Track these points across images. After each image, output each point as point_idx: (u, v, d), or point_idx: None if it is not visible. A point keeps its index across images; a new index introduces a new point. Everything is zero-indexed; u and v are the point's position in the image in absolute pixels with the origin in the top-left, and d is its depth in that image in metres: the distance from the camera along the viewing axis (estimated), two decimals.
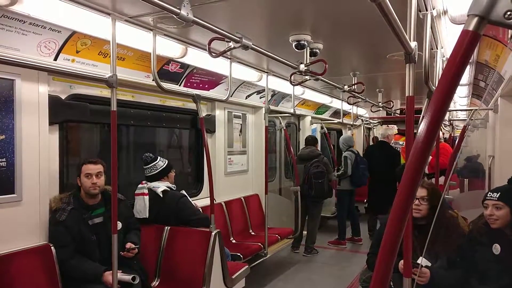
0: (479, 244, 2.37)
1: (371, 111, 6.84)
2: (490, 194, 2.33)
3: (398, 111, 7.59)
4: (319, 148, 5.93)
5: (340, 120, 6.95)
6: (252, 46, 2.40)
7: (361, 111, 8.49)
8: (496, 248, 2.27)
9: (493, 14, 0.64)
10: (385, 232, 0.72)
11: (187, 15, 1.80)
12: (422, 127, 0.68)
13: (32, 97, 2.54)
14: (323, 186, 5.36)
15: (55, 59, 2.56)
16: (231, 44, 2.30)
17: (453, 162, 5.26)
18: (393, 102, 6.66)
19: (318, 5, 2.42)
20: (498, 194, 2.29)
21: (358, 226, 6.26)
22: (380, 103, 6.14)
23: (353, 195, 6.28)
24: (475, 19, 0.65)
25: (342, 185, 6.10)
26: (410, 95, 1.58)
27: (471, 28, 0.65)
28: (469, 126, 5.64)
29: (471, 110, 5.22)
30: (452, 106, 4.70)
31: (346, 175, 5.95)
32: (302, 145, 6.31)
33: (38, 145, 2.57)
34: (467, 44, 0.66)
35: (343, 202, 6.10)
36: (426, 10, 2.12)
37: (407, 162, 0.71)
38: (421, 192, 2.45)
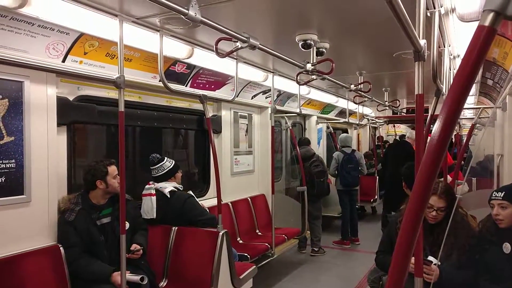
0: (489, 243, 2.35)
1: (377, 110, 6.81)
2: (495, 194, 2.30)
3: (405, 110, 7.56)
4: (312, 147, 5.95)
5: (346, 120, 6.93)
6: (260, 46, 2.40)
7: (367, 111, 8.46)
8: (506, 247, 2.24)
9: (509, 9, 0.63)
10: (399, 233, 0.71)
11: (195, 15, 1.80)
12: (436, 126, 0.67)
13: (41, 99, 2.55)
14: (324, 184, 5.48)
15: (63, 60, 2.58)
16: (238, 44, 2.30)
17: (460, 161, 5.22)
18: (399, 101, 6.63)
19: (324, 4, 2.41)
20: (503, 194, 2.26)
21: (356, 227, 6.26)
22: (386, 102, 6.11)
23: (351, 194, 6.25)
24: (491, 14, 0.64)
25: (336, 185, 6.23)
26: (420, 93, 1.56)
27: (487, 23, 0.64)
28: (477, 125, 5.59)
29: (479, 108, 5.17)
30: None
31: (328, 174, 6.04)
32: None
33: (46, 146, 2.59)
34: (483, 40, 0.65)
35: (341, 201, 6.15)
36: (434, 8, 2.11)
37: (421, 162, 0.70)
38: (439, 202, 2.41)
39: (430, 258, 2.34)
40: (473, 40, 0.66)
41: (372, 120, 8.70)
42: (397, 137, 9.50)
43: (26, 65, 2.20)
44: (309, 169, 5.36)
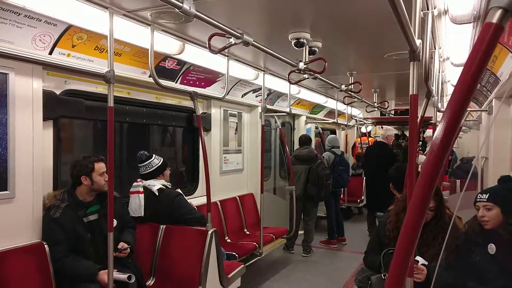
0: (475, 244, 2.38)
1: (366, 111, 6.87)
2: (480, 196, 2.34)
3: (393, 112, 7.63)
4: (313, 147, 5.94)
5: (335, 120, 6.96)
6: (253, 42, 2.38)
7: (355, 112, 8.52)
8: (492, 248, 2.28)
9: None
10: (399, 236, 0.70)
11: (190, 9, 1.77)
12: (439, 128, 0.66)
13: (26, 92, 2.48)
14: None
15: (50, 53, 2.50)
16: (232, 40, 2.27)
17: (445, 163, 5.29)
18: (388, 103, 6.69)
19: (318, 3, 2.40)
20: (487, 195, 2.30)
21: (342, 226, 6.29)
22: (375, 103, 6.16)
23: (336, 195, 6.25)
24: (499, 11, 0.63)
25: None
26: (414, 93, 1.57)
27: (494, 20, 0.63)
28: (463, 128, 5.68)
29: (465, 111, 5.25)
30: (443, 107, 4.74)
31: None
32: (296, 144, 6.31)
33: (31, 141, 2.51)
34: (490, 37, 0.64)
35: (327, 202, 6.13)
36: (428, 9, 2.12)
37: (423, 166, 0.69)
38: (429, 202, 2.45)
39: (418, 258, 2.37)
40: (479, 37, 0.65)
41: (360, 121, 8.76)
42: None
43: (11, 56, 2.13)
44: (317, 171, 5.30)
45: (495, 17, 0.63)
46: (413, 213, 0.69)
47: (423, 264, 2.34)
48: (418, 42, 1.51)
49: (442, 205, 2.55)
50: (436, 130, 0.67)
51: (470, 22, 2.22)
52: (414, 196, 0.69)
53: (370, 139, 8.66)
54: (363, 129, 9.04)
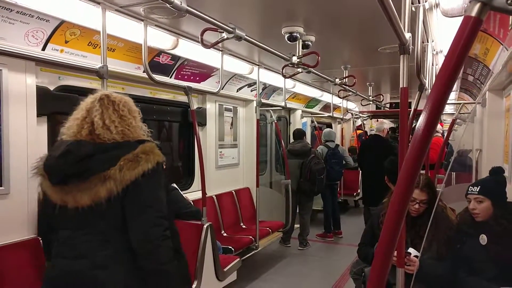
0: (466, 235, 2.41)
1: (361, 104, 6.89)
2: (470, 189, 2.35)
3: (388, 105, 7.66)
4: (307, 141, 5.95)
5: (330, 114, 6.98)
6: (245, 37, 2.38)
7: (351, 105, 8.54)
8: (483, 239, 2.31)
9: (496, 0, 0.64)
10: (383, 226, 0.71)
11: (181, 4, 1.77)
12: (421, 119, 0.67)
13: (19, 88, 2.47)
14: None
15: (43, 49, 2.50)
16: (224, 35, 2.28)
17: (441, 155, 5.33)
18: (383, 96, 6.71)
19: None
20: (478, 188, 2.32)
21: (339, 220, 6.32)
22: (370, 97, 6.17)
23: (333, 189, 6.27)
24: (478, 5, 0.64)
25: None
26: (404, 86, 1.58)
27: (473, 14, 0.65)
28: (457, 120, 5.72)
29: (459, 104, 5.29)
30: None
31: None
32: (292, 138, 6.33)
33: (26, 137, 2.51)
34: (469, 30, 0.66)
35: (323, 195, 6.16)
36: (419, 3, 2.13)
37: (405, 155, 0.70)
38: (421, 195, 2.47)
39: (410, 250, 2.39)
40: (459, 30, 0.67)
41: (356, 114, 8.78)
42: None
43: (4, 52, 2.12)
44: (309, 166, 5.31)
45: (473, 11, 0.65)
46: (396, 203, 0.71)
47: (415, 256, 2.36)
48: (407, 35, 1.52)
49: (435, 197, 2.57)
50: (418, 121, 0.68)
51: (461, 15, 2.23)
52: (397, 186, 0.71)
53: (353, 132, 8.70)
54: (358, 123, 9.07)
